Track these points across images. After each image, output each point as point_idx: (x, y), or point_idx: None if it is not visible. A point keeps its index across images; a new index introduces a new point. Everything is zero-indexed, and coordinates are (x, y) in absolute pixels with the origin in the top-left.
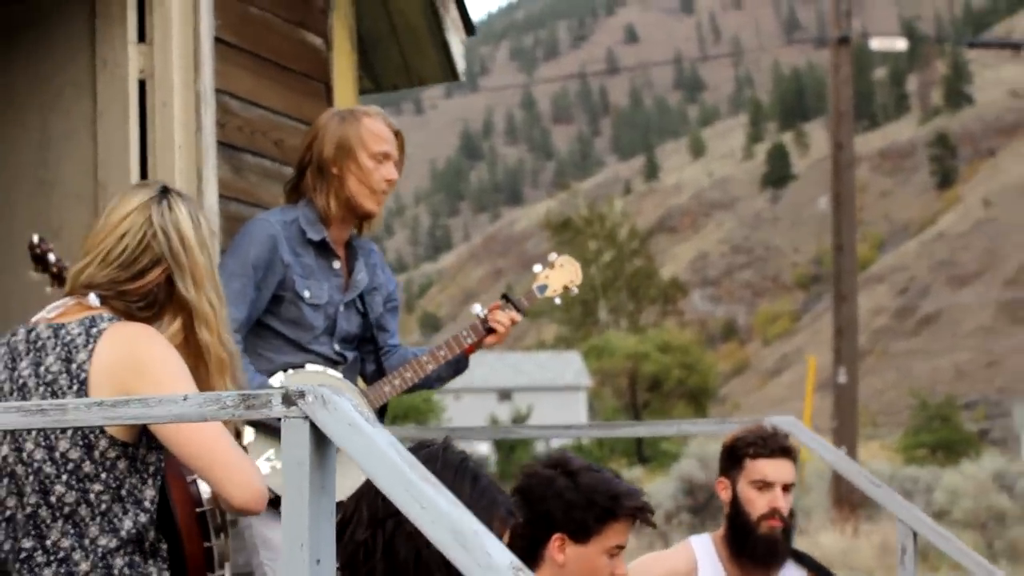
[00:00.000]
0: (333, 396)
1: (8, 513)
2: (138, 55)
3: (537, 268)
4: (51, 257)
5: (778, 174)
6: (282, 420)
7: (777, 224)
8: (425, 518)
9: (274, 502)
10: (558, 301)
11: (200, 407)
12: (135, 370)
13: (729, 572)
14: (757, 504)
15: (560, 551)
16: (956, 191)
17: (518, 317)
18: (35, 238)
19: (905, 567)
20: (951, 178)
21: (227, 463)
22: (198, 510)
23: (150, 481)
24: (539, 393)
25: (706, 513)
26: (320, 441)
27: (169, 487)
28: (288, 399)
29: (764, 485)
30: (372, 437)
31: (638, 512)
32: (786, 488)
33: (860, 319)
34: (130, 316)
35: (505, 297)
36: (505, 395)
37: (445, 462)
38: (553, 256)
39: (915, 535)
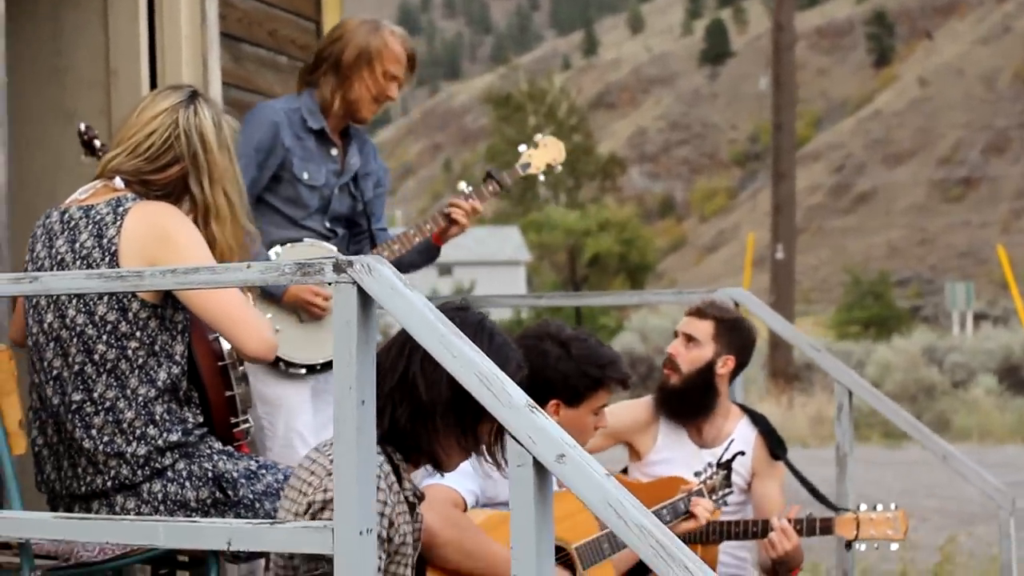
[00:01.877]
0: (377, 264)
1: (55, 372)
2: None
3: (522, 148)
4: (97, 143)
5: (716, 51)
6: (333, 285)
7: (715, 101)
8: (455, 365)
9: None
10: (542, 178)
11: (262, 273)
12: (160, 241)
13: (682, 424)
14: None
15: (555, 413)
16: (893, 70)
17: (479, 206)
18: (82, 126)
19: (841, 423)
20: (888, 57)
21: (244, 319)
22: (220, 363)
23: (179, 337)
24: (479, 267)
25: (644, 387)
26: (366, 302)
27: (194, 345)
28: (339, 267)
29: (675, 336)
30: (410, 299)
31: (621, 380)
32: (689, 341)
33: (796, 196)
34: (149, 199)
35: (489, 173)
36: (446, 269)
37: (464, 320)
38: (538, 136)
39: (850, 394)
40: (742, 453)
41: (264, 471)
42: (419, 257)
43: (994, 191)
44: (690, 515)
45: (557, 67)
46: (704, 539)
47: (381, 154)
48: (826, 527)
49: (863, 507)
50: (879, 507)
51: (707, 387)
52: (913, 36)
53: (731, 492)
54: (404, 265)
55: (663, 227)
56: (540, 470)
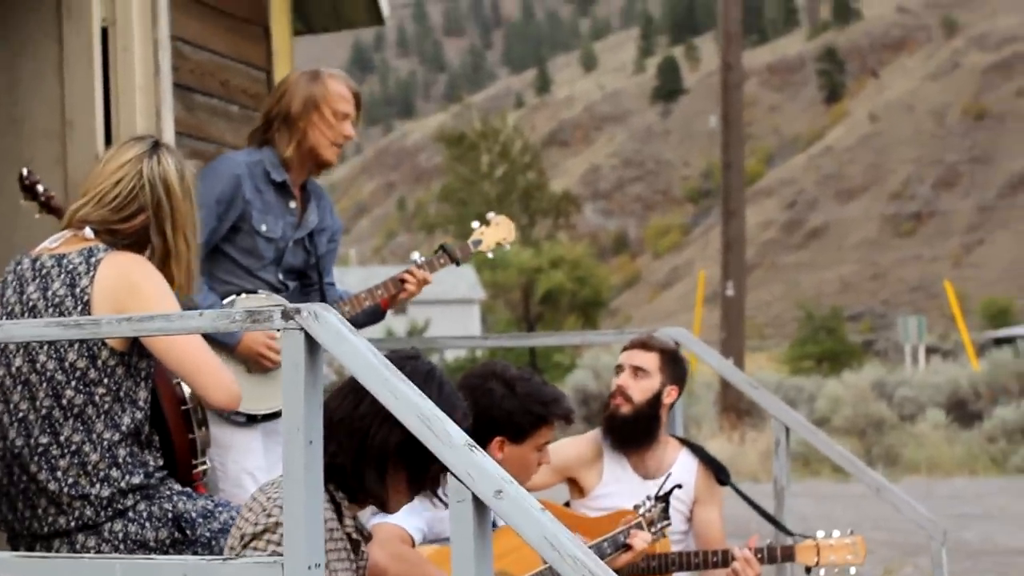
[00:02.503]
0: (323, 312)
1: (21, 415)
2: (100, 4)
3: (475, 224)
4: (39, 188)
5: (669, 88)
6: (281, 331)
7: (668, 138)
8: (398, 406)
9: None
10: (491, 255)
11: (214, 321)
12: (129, 292)
13: (627, 457)
14: (612, 386)
15: (499, 450)
16: (843, 106)
17: (430, 278)
18: (24, 171)
19: (779, 458)
20: (839, 93)
21: (209, 370)
22: (183, 407)
23: (143, 384)
24: (434, 306)
25: (598, 422)
26: (313, 347)
27: (159, 389)
28: (287, 314)
29: (619, 369)
30: (355, 344)
31: (565, 416)
32: (638, 372)
33: (749, 232)
34: (118, 248)
35: (442, 247)
36: (400, 308)
37: (414, 369)
38: (491, 215)
39: (787, 430)
40: (679, 486)
41: (220, 509)
42: (366, 319)
43: (945, 225)
44: (628, 547)
45: (511, 105)
46: (663, 570)
47: (334, 193)
48: (788, 554)
49: (820, 534)
50: (836, 533)
51: (654, 417)
52: (863, 73)
53: (668, 524)
54: (353, 325)
55: (617, 264)
56: (479, 505)
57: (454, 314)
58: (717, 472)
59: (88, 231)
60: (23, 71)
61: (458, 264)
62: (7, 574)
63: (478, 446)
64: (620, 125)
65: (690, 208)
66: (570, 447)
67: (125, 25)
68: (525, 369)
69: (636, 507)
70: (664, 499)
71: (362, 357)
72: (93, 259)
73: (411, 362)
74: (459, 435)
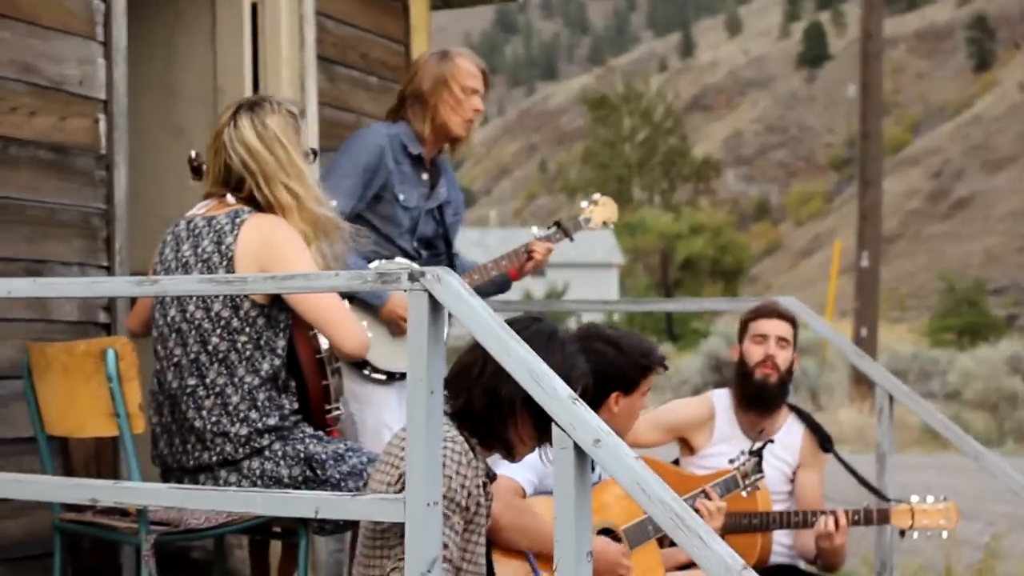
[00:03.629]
0: (445, 275)
1: (175, 359)
2: None
3: (584, 204)
4: (204, 168)
5: (814, 53)
6: (408, 292)
7: (812, 104)
8: (509, 363)
9: (359, 365)
10: (597, 232)
11: (348, 281)
12: (269, 250)
13: (739, 419)
14: (754, 354)
15: (615, 404)
16: (993, 75)
17: (553, 247)
18: (192, 153)
19: (882, 425)
20: (988, 61)
21: (341, 321)
22: (317, 356)
23: (281, 334)
24: (573, 269)
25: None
26: (435, 307)
27: (296, 340)
28: (413, 276)
29: (761, 339)
30: (473, 305)
31: (662, 362)
32: (781, 342)
33: (893, 202)
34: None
35: (558, 224)
36: (539, 272)
37: (538, 331)
38: (596, 196)
39: (891, 398)
40: (771, 441)
41: (351, 454)
42: (493, 288)
43: None
44: (696, 511)
45: (654, 68)
46: (764, 527)
47: (476, 154)
48: (883, 517)
49: (915, 498)
50: (930, 499)
51: (787, 384)
52: (1013, 41)
53: (762, 477)
54: (480, 294)
55: (758, 231)
56: (579, 453)
57: (592, 278)
58: (821, 439)
59: (230, 197)
60: (179, 43)
61: (571, 240)
62: (160, 502)
63: (580, 399)
64: (764, 90)
65: (833, 175)
66: (683, 408)
67: (274, 1)
68: (618, 328)
69: (731, 461)
70: (758, 454)
71: (479, 317)
72: (238, 219)
73: (536, 324)
74: (564, 389)
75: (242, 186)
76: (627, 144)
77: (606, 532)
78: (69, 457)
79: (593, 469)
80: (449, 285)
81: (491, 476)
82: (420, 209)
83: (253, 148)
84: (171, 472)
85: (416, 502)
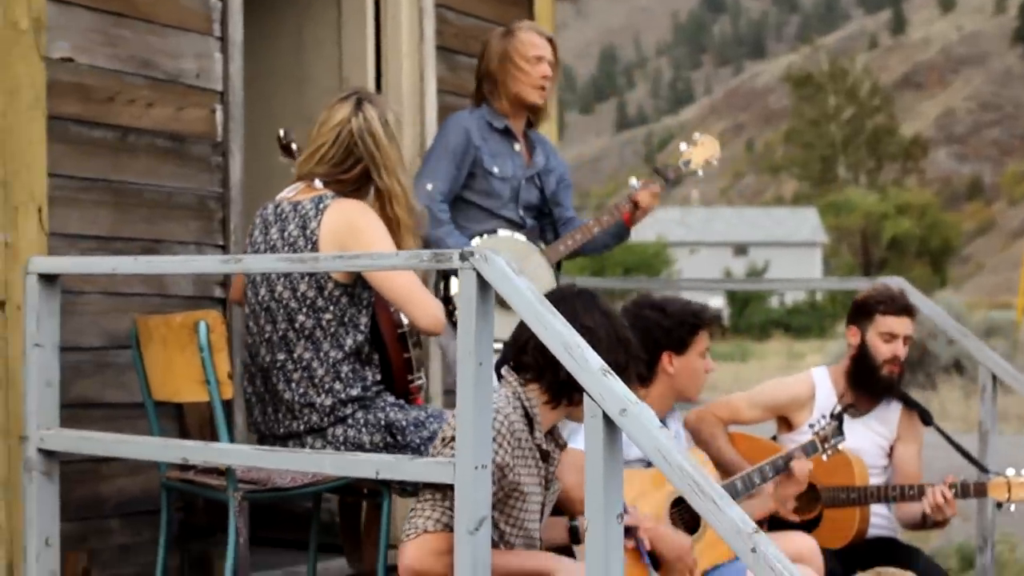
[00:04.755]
0: (492, 255)
1: (266, 335)
2: None
3: (683, 147)
4: (294, 147)
5: None
6: (459, 270)
7: None
8: (546, 335)
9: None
10: (700, 173)
11: (407, 260)
12: (351, 233)
13: (841, 399)
14: (882, 351)
15: (669, 363)
16: None
17: (658, 190)
18: (281, 132)
19: (985, 403)
20: None
21: (418, 299)
22: (399, 331)
23: (364, 311)
24: (775, 248)
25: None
26: (483, 285)
27: (379, 316)
28: (463, 256)
29: (891, 337)
30: (516, 283)
31: (714, 320)
32: (907, 340)
33: None
34: (344, 195)
35: (655, 170)
36: (741, 249)
37: (577, 295)
38: (696, 135)
39: (994, 377)
40: (852, 406)
41: (431, 419)
42: (611, 238)
43: None
44: (790, 472)
45: (863, 46)
46: (863, 501)
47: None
48: (980, 490)
49: (1011, 471)
50: None
51: (901, 376)
52: None
53: (842, 439)
54: (597, 246)
55: (970, 210)
56: (608, 421)
57: (795, 257)
58: (920, 413)
59: (318, 182)
60: (308, 36)
61: (672, 185)
62: (244, 462)
63: (611, 371)
64: (977, 67)
65: None
66: (783, 387)
67: None
68: (669, 295)
69: (811, 425)
70: (838, 417)
71: (521, 294)
72: (322, 205)
73: (576, 291)
74: (596, 361)
75: (351, 169)
76: (832, 123)
77: (679, 501)
78: (184, 421)
79: None
80: (495, 265)
81: (561, 445)
82: (519, 178)
83: (380, 140)
84: (265, 439)
85: (465, 465)
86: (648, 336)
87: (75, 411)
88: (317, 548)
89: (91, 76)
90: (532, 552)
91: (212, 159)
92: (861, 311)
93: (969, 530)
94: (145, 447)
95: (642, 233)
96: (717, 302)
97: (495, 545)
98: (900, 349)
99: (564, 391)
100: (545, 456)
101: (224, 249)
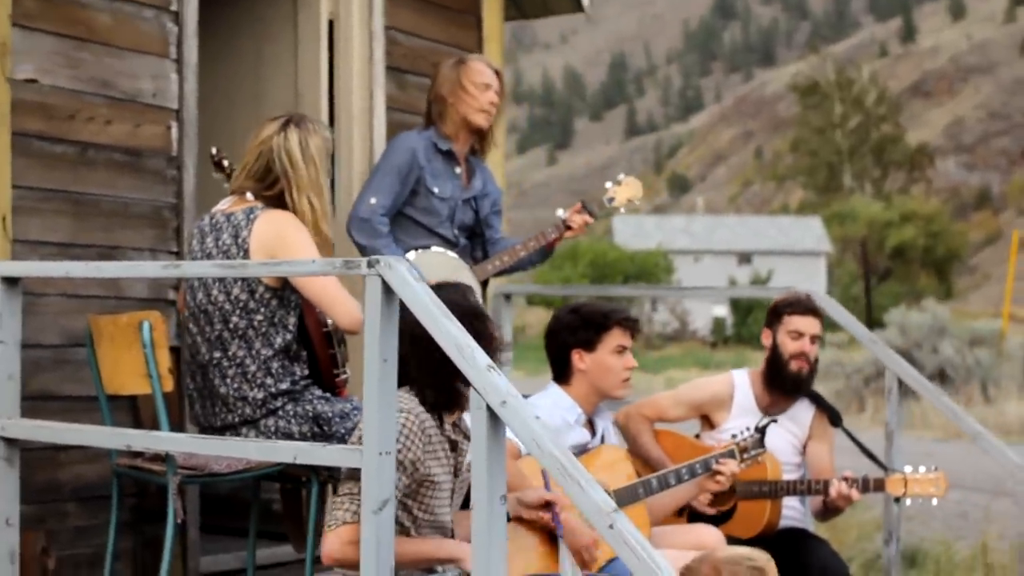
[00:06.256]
0: (396, 263)
1: (204, 335)
2: (328, 1)
3: (608, 185)
4: (225, 163)
5: None
6: (365, 277)
7: None
8: (440, 337)
9: None
10: (622, 211)
11: (322, 267)
12: (278, 240)
13: (758, 399)
14: (790, 347)
15: (580, 361)
16: None
17: (591, 219)
18: (213, 150)
19: (891, 404)
20: None
21: (339, 301)
22: (324, 330)
23: (292, 312)
24: (779, 257)
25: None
26: (387, 290)
27: (306, 316)
28: (371, 264)
29: (798, 335)
30: (416, 289)
31: (624, 320)
32: (813, 339)
33: None
34: (273, 207)
35: (583, 204)
36: (745, 258)
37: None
38: (621, 176)
39: (899, 381)
40: (774, 421)
41: (356, 411)
42: (536, 256)
43: None
44: (715, 472)
45: (874, 54)
46: (774, 495)
47: (692, 141)
48: (879, 485)
49: (908, 468)
50: (922, 469)
51: (814, 374)
52: None
53: (762, 452)
54: (523, 265)
55: (978, 219)
56: (491, 412)
57: (799, 266)
58: (830, 415)
59: (249, 195)
60: (266, 54)
61: (595, 218)
62: (181, 448)
63: (496, 368)
64: (987, 76)
65: None
66: (704, 386)
67: (347, 18)
68: (596, 301)
69: (733, 436)
70: (761, 432)
71: (420, 299)
72: (252, 215)
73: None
74: (483, 358)
75: (273, 186)
76: (838, 131)
77: None
78: (138, 413)
79: (594, 435)
80: (398, 272)
81: (468, 435)
82: (456, 199)
83: (295, 160)
84: (204, 431)
85: (370, 451)
86: (559, 336)
87: (36, 403)
88: (258, 534)
89: (53, 96)
90: (442, 540)
91: (167, 172)
92: (772, 314)
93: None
94: (93, 435)
95: (643, 241)
96: (720, 311)
97: (407, 532)
98: (807, 346)
99: (443, 395)
100: (454, 446)
101: (178, 255)
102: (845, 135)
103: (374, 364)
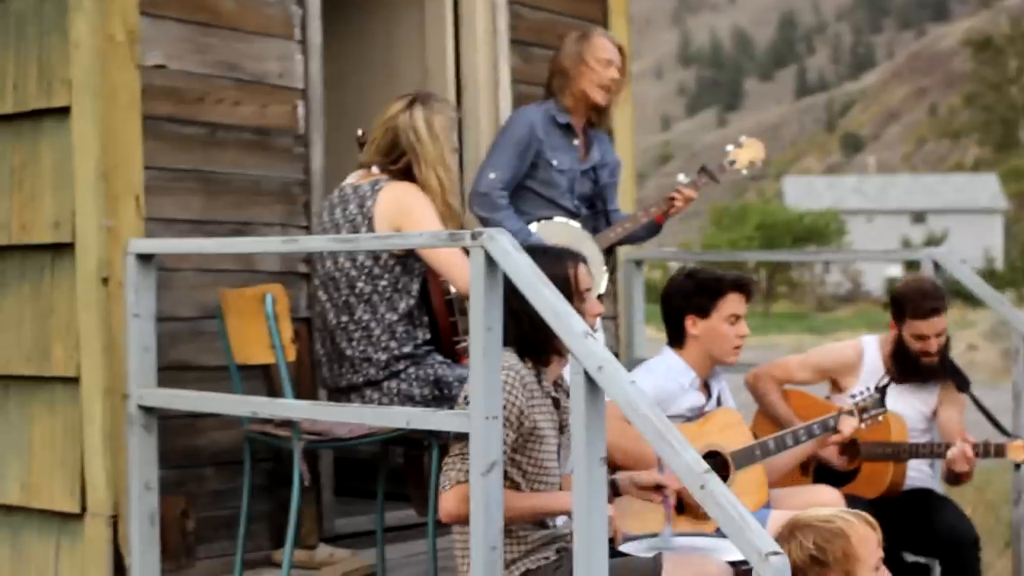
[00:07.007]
0: (499, 235)
1: (332, 301)
2: None
3: (729, 148)
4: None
5: None
6: (471, 248)
7: None
8: (539, 304)
9: None
10: (744, 173)
11: (429, 239)
12: (401, 212)
13: (887, 365)
14: (915, 347)
15: (694, 327)
16: None
17: (694, 195)
18: (359, 132)
19: (1018, 365)
20: None
21: (459, 270)
22: (446, 297)
23: (416, 279)
24: (954, 216)
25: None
26: (491, 261)
27: (430, 283)
28: (475, 236)
29: (921, 338)
30: (517, 260)
31: (740, 285)
32: (939, 335)
33: None
34: (398, 180)
35: (704, 168)
36: (919, 217)
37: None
38: (742, 138)
39: None
40: (894, 379)
41: None
42: (645, 232)
43: None
44: (836, 430)
45: None
46: (896, 457)
47: (864, 99)
48: (1000, 451)
49: None
50: None
51: (946, 355)
52: None
53: (883, 411)
54: (634, 238)
55: None
56: (588, 377)
57: (975, 224)
58: (958, 382)
59: (375, 169)
60: (396, 34)
61: (717, 182)
62: (300, 415)
63: (592, 334)
64: None
65: None
66: (833, 352)
67: None
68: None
69: (852, 395)
70: (881, 391)
71: (521, 269)
72: (377, 187)
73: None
74: (580, 325)
75: (399, 160)
76: (1013, 86)
77: (712, 454)
78: (271, 381)
79: (710, 398)
80: (500, 243)
81: (566, 392)
82: (575, 171)
83: (421, 137)
84: (331, 393)
85: (477, 416)
86: (674, 301)
87: (174, 373)
88: (390, 496)
89: (182, 80)
90: (554, 493)
91: (295, 149)
92: (895, 308)
93: None
94: (221, 403)
95: (814, 202)
96: (895, 271)
97: (518, 487)
98: (932, 346)
99: (542, 350)
100: (556, 403)
101: (307, 230)
102: (1020, 90)
103: (479, 332)
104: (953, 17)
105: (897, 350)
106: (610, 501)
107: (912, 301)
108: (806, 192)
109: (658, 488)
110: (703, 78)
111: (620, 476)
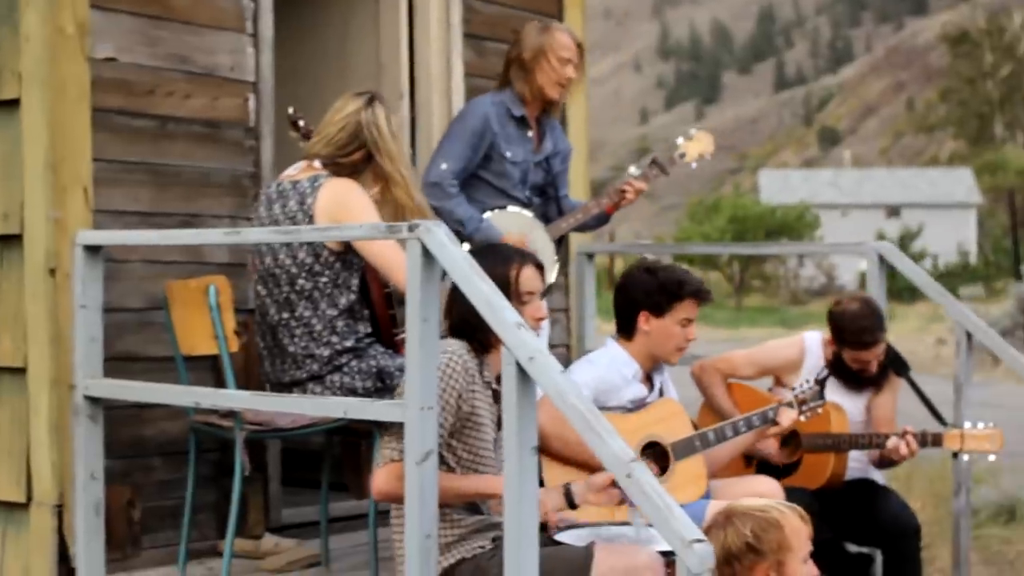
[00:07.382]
0: (434, 227)
1: (273, 297)
2: None
3: (679, 140)
4: (301, 123)
5: None
6: (407, 240)
7: None
8: (474, 297)
9: None
10: (694, 166)
11: (368, 231)
12: (341, 207)
13: (828, 363)
14: (855, 367)
15: (646, 323)
16: None
17: (645, 187)
18: (291, 110)
19: (960, 357)
20: None
21: (397, 264)
22: (385, 291)
23: (355, 274)
24: (928, 210)
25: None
26: (426, 252)
27: (369, 278)
28: (411, 228)
29: (862, 363)
30: (452, 252)
31: (697, 293)
32: (878, 357)
33: None
34: (339, 176)
35: (654, 160)
36: (894, 211)
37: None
38: (692, 131)
39: (968, 335)
40: (832, 374)
41: None
42: (595, 222)
43: None
44: (776, 422)
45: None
46: (836, 448)
47: (842, 93)
48: (936, 440)
49: (967, 424)
50: (980, 425)
51: (886, 364)
52: None
53: (822, 404)
54: (583, 227)
55: None
56: (519, 367)
57: (949, 218)
58: (897, 366)
59: (317, 163)
60: (351, 27)
61: (667, 174)
62: (246, 405)
63: (524, 322)
64: None
65: None
66: (775, 349)
67: None
68: (672, 263)
69: (793, 388)
70: (821, 383)
71: (456, 261)
72: (317, 183)
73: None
74: (512, 316)
75: (351, 155)
76: (989, 81)
77: (652, 445)
78: (219, 372)
79: (652, 390)
80: (436, 236)
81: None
82: (528, 162)
83: (383, 132)
84: (274, 387)
85: (413, 406)
86: (631, 294)
87: (122, 364)
88: (336, 487)
89: (132, 72)
90: (483, 476)
91: (245, 142)
92: (834, 332)
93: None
94: (164, 393)
95: (789, 196)
96: (864, 265)
97: (452, 469)
98: (872, 367)
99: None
100: (496, 396)
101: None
102: (996, 84)
103: (415, 323)
104: (932, 11)
105: (836, 362)
106: (573, 508)
107: (851, 333)
108: (781, 186)
109: (614, 483)
110: (682, 71)
111: (574, 486)
